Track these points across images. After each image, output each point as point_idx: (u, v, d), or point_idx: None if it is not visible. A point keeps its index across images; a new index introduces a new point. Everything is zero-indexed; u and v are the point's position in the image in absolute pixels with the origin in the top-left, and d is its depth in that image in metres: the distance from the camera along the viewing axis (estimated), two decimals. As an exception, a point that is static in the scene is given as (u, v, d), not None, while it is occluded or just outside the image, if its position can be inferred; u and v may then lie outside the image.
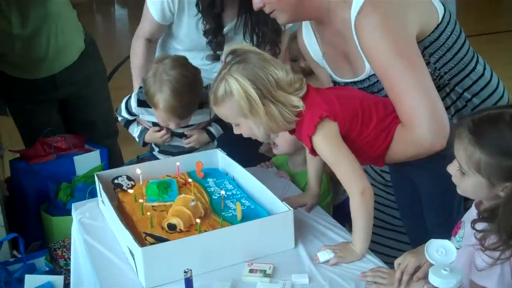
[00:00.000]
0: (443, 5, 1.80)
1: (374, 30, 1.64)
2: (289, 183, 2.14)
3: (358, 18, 1.67)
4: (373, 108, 1.70)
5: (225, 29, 2.30)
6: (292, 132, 1.75)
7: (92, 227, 1.88)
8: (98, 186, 1.93)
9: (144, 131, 2.25)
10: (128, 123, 2.29)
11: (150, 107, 2.12)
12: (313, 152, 1.70)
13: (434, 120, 1.59)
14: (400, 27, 1.64)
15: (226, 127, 2.19)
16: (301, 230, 1.78)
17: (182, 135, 2.22)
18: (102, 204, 1.93)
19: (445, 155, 1.64)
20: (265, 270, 1.60)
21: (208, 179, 2.02)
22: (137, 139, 2.28)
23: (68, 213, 2.24)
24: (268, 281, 1.57)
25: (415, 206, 1.87)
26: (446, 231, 1.74)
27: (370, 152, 1.73)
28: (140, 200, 1.80)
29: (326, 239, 1.77)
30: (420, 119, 1.60)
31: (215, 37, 2.28)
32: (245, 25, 2.28)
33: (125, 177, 1.97)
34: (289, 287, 1.54)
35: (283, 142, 2.13)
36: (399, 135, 1.66)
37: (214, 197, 1.89)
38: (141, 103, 2.17)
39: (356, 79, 1.82)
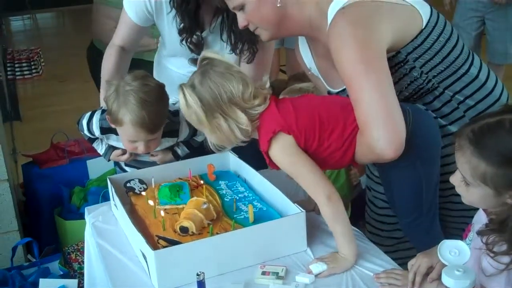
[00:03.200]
0: (431, 9, 1.78)
1: (340, 36, 1.64)
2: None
3: (330, 27, 1.69)
4: (334, 118, 1.68)
5: (204, 32, 2.23)
6: (257, 143, 1.75)
7: (105, 231, 1.89)
8: (111, 189, 1.94)
9: (109, 150, 2.18)
10: (91, 139, 2.21)
11: (114, 133, 2.07)
12: (273, 165, 1.71)
13: (388, 127, 1.56)
14: (367, 35, 1.63)
15: (192, 147, 2.22)
16: (313, 232, 1.78)
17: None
18: (115, 208, 1.94)
19: (419, 153, 1.66)
20: (278, 273, 1.60)
21: (220, 182, 2.02)
22: (103, 156, 2.23)
23: (82, 216, 2.25)
24: (281, 283, 1.57)
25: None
26: (418, 227, 1.77)
27: (337, 160, 1.72)
28: (151, 203, 1.81)
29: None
30: (372, 124, 1.58)
31: (190, 35, 2.20)
32: (221, 24, 2.21)
33: (137, 180, 1.98)
34: (302, 289, 1.54)
35: None
36: (358, 138, 1.66)
37: (226, 199, 1.89)
38: (104, 131, 2.10)
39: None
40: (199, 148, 2.22)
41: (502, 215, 1.33)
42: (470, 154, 1.34)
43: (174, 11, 2.15)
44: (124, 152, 2.13)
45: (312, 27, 1.80)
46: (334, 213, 1.63)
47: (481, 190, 1.35)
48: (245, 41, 2.16)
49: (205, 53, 1.75)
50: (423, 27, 1.73)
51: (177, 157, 2.20)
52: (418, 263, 1.52)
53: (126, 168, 2.23)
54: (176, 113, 2.12)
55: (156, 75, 2.51)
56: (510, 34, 4.10)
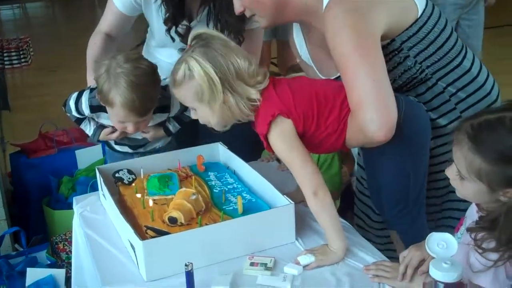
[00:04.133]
0: (427, 1, 1.79)
1: (335, 22, 1.64)
2: (290, 176, 2.13)
3: (325, 13, 1.69)
4: (331, 101, 1.68)
5: (192, 23, 2.21)
6: (252, 125, 1.73)
7: (93, 221, 1.88)
8: (99, 179, 1.93)
9: (98, 129, 2.14)
10: (79, 120, 2.17)
11: (104, 111, 2.04)
12: (270, 148, 1.69)
13: (380, 110, 1.57)
14: (362, 22, 1.63)
15: (184, 122, 2.19)
16: (302, 224, 1.77)
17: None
18: (103, 198, 1.93)
19: (409, 144, 1.66)
20: (266, 264, 1.60)
21: (209, 173, 2.01)
22: (91, 137, 2.19)
23: (70, 206, 2.24)
24: (269, 274, 1.57)
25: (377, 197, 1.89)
26: (404, 218, 1.78)
27: (331, 143, 1.72)
28: (139, 195, 1.80)
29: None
30: (365, 107, 1.58)
31: (175, 25, 2.17)
32: (208, 14, 2.18)
33: (126, 170, 1.97)
34: (290, 280, 1.54)
35: None
36: (349, 120, 1.66)
37: (215, 190, 1.89)
38: (94, 109, 2.06)
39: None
40: (191, 126, 2.18)
41: (493, 214, 1.33)
42: (467, 149, 1.34)
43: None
44: (114, 130, 2.10)
45: (308, 13, 1.79)
46: (320, 206, 1.63)
47: (475, 185, 1.36)
48: (231, 30, 2.15)
49: (199, 30, 1.70)
50: (418, 16, 1.73)
51: (168, 133, 2.19)
52: (410, 255, 1.52)
53: (116, 147, 2.23)
54: (167, 87, 2.10)
55: None
56: (481, 29, 4.22)
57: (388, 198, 1.80)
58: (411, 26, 1.73)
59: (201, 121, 1.71)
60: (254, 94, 1.63)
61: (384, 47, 1.68)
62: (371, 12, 1.66)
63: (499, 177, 1.31)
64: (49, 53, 6.91)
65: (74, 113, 2.11)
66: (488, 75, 1.88)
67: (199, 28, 2.16)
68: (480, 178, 1.33)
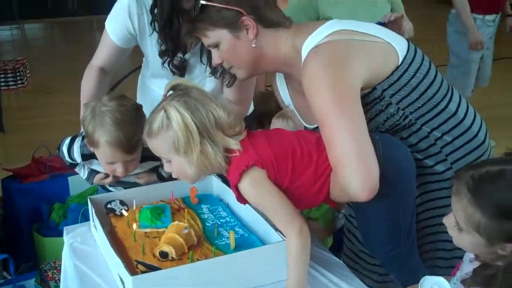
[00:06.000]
0: (408, 44, 1.78)
1: (313, 77, 1.63)
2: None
3: (302, 69, 1.68)
4: (306, 157, 1.66)
5: (186, 55, 2.20)
6: (226, 174, 1.70)
7: (84, 252, 1.86)
8: (91, 210, 1.91)
9: (91, 174, 2.16)
10: (73, 164, 2.18)
11: (96, 158, 2.02)
12: (242, 199, 1.66)
13: (361, 170, 1.55)
14: (339, 76, 1.62)
15: None
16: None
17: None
18: (94, 229, 1.91)
19: (394, 185, 1.64)
20: (258, 301, 1.58)
21: (202, 205, 1.99)
22: (86, 180, 2.21)
23: (60, 234, 2.21)
24: (260, 313, 1.55)
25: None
26: (396, 257, 1.76)
27: (311, 198, 1.71)
28: (134, 226, 1.78)
29: (320, 271, 1.75)
30: (346, 167, 1.57)
31: (172, 58, 2.16)
32: (201, 47, 2.16)
33: (118, 201, 1.95)
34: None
35: None
36: (331, 178, 1.65)
37: (207, 224, 1.87)
38: (86, 157, 2.07)
39: None
40: None
41: (491, 270, 1.30)
42: (467, 201, 1.33)
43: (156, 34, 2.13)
44: (107, 175, 2.10)
45: (287, 65, 1.80)
46: (302, 246, 1.59)
47: (473, 237, 1.34)
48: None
49: (175, 81, 1.70)
50: (399, 64, 1.72)
51: (161, 179, 2.17)
52: None
53: (111, 189, 2.21)
54: None
55: (139, 95, 2.49)
56: (492, 58, 4.46)
57: (379, 238, 1.77)
58: (392, 73, 1.71)
59: (175, 174, 1.68)
60: (234, 144, 1.61)
61: (365, 96, 1.67)
62: (351, 63, 1.65)
63: (498, 231, 1.29)
64: (46, 75, 6.91)
65: (67, 159, 2.13)
66: (475, 116, 1.85)
67: (192, 58, 2.17)
68: (478, 232, 1.32)
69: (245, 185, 1.61)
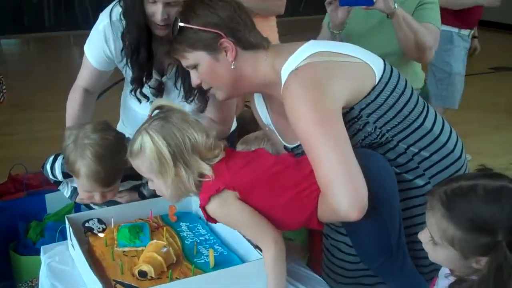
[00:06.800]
0: (384, 63, 1.80)
1: (294, 99, 1.65)
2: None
3: (283, 90, 1.70)
4: (286, 181, 1.67)
5: (163, 78, 2.21)
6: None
7: (61, 272, 1.84)
8: (68, 229, 1.89)
9: (74, 192, 2.16)
10: (57, 182, 2.20)
11: None
12: (211, 220, 1.68)
13: (349, 190, 1.56)
14: (320, 97, 1.64)
15: None
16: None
17: None
18: (72, 248, 1.89)
19: (377, 194, 1.63)
20: (237, 320, 1.58)
21: (181, 223, 1.99)
22: (68, 199, 2.23)
23: (38, 252, 2.18)
24: (240, 332, 1.54)
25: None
26: (391, 267, 1.76)
27: (294, 221, 1.72)
28: (115, 249, 1.77)
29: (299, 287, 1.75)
30: (334, 189, 1.57)
31: (140, 86, 2.18)
32: (176, 71, 2.18)
33: (96, 220, 1.94)
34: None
35: None
36: (320, 199, 1.66)
37: (186, 242, 1.87)
38: (67, 175, 2.08)
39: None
40: None
41: (466, 284, 1.33)
42: (441, 216, 1.35)
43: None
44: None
45: (266, 86, 1.81)
46: (277, 257, 1.62)
47: (448, 251, 1.36)
48: (197, 91, 2.14)
49: (159, 101, 1.73)
50: (376, 83, 1.74)
51: (143, 198, 2.18)
52: None
53: (94, 207, 2.20)
54: None
55: (122, 113, 2.49)
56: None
57: (371, 252, 1.77)
58: (369, 93, 1.73)
59: (157, 192, 1.72)
60: (207, 170, 1.64)
61: (343, 115, 1.68)
62: (331, 84, 1.66)
63: (472, 245, 1.31)
64: (23, 91, 6.83)
65: (51, 176, 2.14)
66: (450, 133, 1.88)
67: (169, 81, 2.18)
68: (452, 245, 1.33)
69: (212, 207, 1.64)
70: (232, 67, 1.76)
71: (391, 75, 1.78)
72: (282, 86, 1.71)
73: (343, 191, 1.56)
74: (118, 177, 1.98)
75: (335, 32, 2.43)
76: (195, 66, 1.79)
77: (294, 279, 1.77)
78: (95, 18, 2.20)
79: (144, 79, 2.16)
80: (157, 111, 1.70)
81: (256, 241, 1.66)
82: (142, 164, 1.65)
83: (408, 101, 1.79)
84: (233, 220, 1.67)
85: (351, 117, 1.73)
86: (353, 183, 1.56)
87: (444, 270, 1.47)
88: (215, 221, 1.69)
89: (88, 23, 2.22)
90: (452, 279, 1.41)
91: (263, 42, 1.81)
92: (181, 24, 1.74)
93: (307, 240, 2.27)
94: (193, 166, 1.62)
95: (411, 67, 2.69)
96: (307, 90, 1.64)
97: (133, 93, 2.20)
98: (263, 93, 1.91)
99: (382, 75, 1.75)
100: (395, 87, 1.77)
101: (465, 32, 4.13)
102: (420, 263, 1.87)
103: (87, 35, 2.26)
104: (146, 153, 1.61)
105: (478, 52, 4.51)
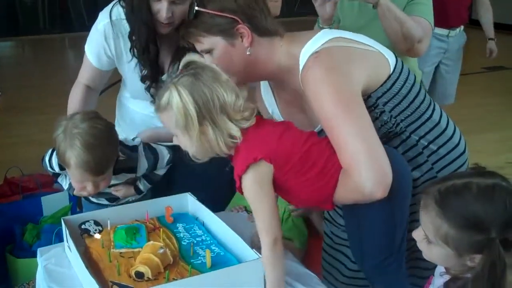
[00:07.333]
0: (395, 56, 1.83)
1: (316, 81, 1.66)
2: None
3: (303, 72, 1.71)
4: (313, 157, 1.66)
5: (163, 76, 2.22)
6: (230, 159, 1.71)
7: (58, 274, 1.84)
8: (65, 231, 1.89)
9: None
10: (55, 174, 2.20)
11: None
12: (241, 190, 1.67)
13: (375, 168, 1.58)
14: (342, 78, 1.65)
15: (154, 181, 2.22)
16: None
17: (109, 186, 2.15)
18: (69, 250, 1.89)
19: (395, 193, 1.64)
20: (234, 320, 1.58)
21: (178, 224, 1.99)
22: (66, 190, 2.24)
23: (34, 254, 2.18)
24: (237, 332, 1.55)
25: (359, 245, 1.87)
26: (388, 267, 1.75)
27: (311, 197, 1.72)
28: (112, 250, 1.77)
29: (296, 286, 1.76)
30: (360, 167, 1.58)
31: (154, 82, 2.19)
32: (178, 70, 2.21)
33: (92, 222, 1.94)
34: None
35: None
36: (342, 180, 1.65)
37: (183, 243, 1.87)
38: (63, 167, 2.07)
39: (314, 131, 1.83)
40: (165, 177, 2.23)
41: (460, 282, 1.34)
42: (435, 214, 1.36)
43: (135, 59, 2.16)
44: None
45: (280, 72, 1.80)
46: (278, 257, 1.62)
47: (442, 249, 1.37)
48: None
49: (192, 57, 1.68)
50: (391, 72, 1.77)
51: (139, 192, 2.19)
52: None
53: (93, 199, 2.23)
54: (135, 148, 2.11)
55: (118, 115, 2.49)
56: (458, 75, 4.29)
57: (372, 248, 1.76)
58: (385, 82, 1.75)
59: (182, 147, 1.68)
60: (236, 131, 1.61)
61: None
62: (351, 68, 1.68)
63: (466, 242, 1.32)
64: (17, 93, 6.82)
65: (49, 169, 2.14)
66: (455, 128, 1.92)
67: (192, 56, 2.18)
68: (447, 243, 1.34)
69: (247, 180, 1.61)
70: (247, 53, 1.75)
71: (402, 66, 1.81)
72: (301, 69, 1.71)
73: (368, 170, 1.57)
74: (109, 165, 1.98)
75: (325, 27, 2.44)
76: (209, 51, 1.78)
77: (291, 278, 1.77)
78: (90, 20, 2.22)
79: (158, 74, 2.17)
80: (186, 67, 1.65)
81: (260, 232, 1.65)
82: (168, 119, 1.63)
83: (418, 92, 1.82)
84: (254, 202, 1.64)
85: (368, 105, 1.73)
86: (378, 162, 1.58)
87: (440, 269, 1.48)
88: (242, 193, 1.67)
89: (83, 25, 2.25)
90: (447, 277, 1.42)
91: (279, 29, 1.81)
92: (197, 8, 1.73)
93: (306, 242, 2.28)
94: (222, 126, 1.59)
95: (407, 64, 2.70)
96: (328, 72, 1.65)
97: (147, 91, 2.20)
98: (274, 80, 1.89)
99: (395, 65, 1.78)
100: (407, 77, 1.80)
101: (441, 31, 4.00)
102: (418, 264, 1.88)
103: (82, 37, 2.27)
104: (173, 109, 1.58)
105: (495, 55, 4.42)
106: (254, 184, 1.62)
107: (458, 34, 4.03)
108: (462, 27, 4.05)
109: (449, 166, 1.84)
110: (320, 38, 1.73)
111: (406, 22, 2.37)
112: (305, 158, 1.66)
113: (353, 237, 1.84)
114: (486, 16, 4.33)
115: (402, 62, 1.84)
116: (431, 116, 1.83)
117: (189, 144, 1.63)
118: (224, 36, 1.75)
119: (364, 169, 1.57)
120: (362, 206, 1.67)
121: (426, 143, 1.82)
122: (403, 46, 2.45)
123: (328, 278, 2.02)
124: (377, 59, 1.78)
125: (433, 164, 1.83)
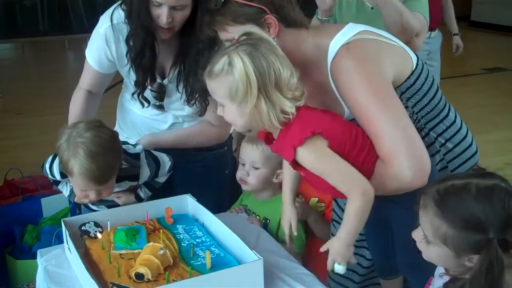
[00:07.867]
0: (416, 54, 1.84)
1: (349, 72, 1.66)
2: (260, 229, 2.14)
3: (334, 62, 1.70)
4: (360, 143, 1.65)
5: (164, 80, 2.23)
6: (268, 142, 1.70)
7: (58, 276, 1.84)
8: (65, 232, 1.89)
9: (73, 192, 2.16)
10: (56, 182, 2.21)
11: None
12: (294, 164, 1.63)
13: (414, 156, 1.59)
14: (375, 69, 1.66)
15: (155, 189, 2.22)
16: (271, 278, 1.76)
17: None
18: (69, 251, 1.89)
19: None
20: (234, 321, 1.58)
21: (178, 226, 1.99)
22: (67, 198, 2.24)
23: (34, 256, 2.19)
24: (237, 333, 1.55)
25: (385, 243, 1.88)
26: (417, 271, 1.74)
27: None
28: (112, 251, 1.78)
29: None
30: (399, 156, 1.59)
31: (143, 89, 2.18)
32: (178, 75, 2.19)
33: (92, 223, 1.94)
34: None
35: (253, 179, 2.22)
36: (379, 171, 1.65)
37: (183, 244, 1.87)
38: (64, 175, 2.08)
39: None
40: (162, 189, 2.23)
41: (459, 283, 1.34)
42: (433, 214, 1.36)
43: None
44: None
45: (306, 63, 1.78)
46: (363, 208, 1.58)
47: (440, 250, 1.37)
48: (198, 94, 2.16)
49: (251, 28, 1.64)
50: (414, 68, 1.77)
51: (139, 200, 2.20)
52: None
53: (93, 207, 2.23)
54: (137, 156, 2.11)
55: (119, 116, 2.49)
56: (438, 76, 4.29)
57: (404, 245, 1.72)
58: (409, 77, 1.76)
59: (226, 119, 1.66)
60: (289, 107, 1.58)
61: None
62: (381, 60, 1.69)
63: (464, 243, 1.32)
64: (17, 95, 6.84)
65: (50, 176, 2.15)
66: (467, 128, 1.92)
67: (170, 84, 2.18)
68: (445, 243, 1.35)
69: (305, 150, 1.58)
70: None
71: (423, 65, 1.82)
72: (331, 60, 1.70)
73: (408, 159, 1.58)
74: (112, 174, 1.99)
75: (323, 19, 2.43)
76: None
77: (290, 278, 1.78)
78: (89, 22, 2.23)
79: (147, 82, 2.17)
80: (243, 38, 1.62)
81: (342, 189, 1.61)
82: (220, 86, 1.58)
83: (437, 90, 1.83)
84: (322, 166, 1.61)
85: None
86: (418, 151, 1.59)
87: (440, 270, 1.48)
88: (297, 166, 1.64)
89: (82, 27, 2.25)
90: (446, 278, 1.43)
91: (305, 21, 1.81)
92: None
93: (304, 245, 2.27)
94: (275, 100, 1.56)
95: None
96: (361, 63, 1.65)
97: (135, 96, 2.21)
98: (300, 73, 1.89)
99: (417, 61, 1.79)
100: (427, 75, 1.81)
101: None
102: None
103: (81, 39, 2.28)
104: (234, 74, 1.54)
105: (462, 49, 4.48)
106: (313, 152, 1.59)
107: (437, 35, 4.12)
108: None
109: (463, 165, 1.85)
110: (350, 29, 1.73)
111: (405, 12, 2.39)
112: (352, 145, 1.64)
113: (381, 236, 1.82)
114: (449, 13, 4.48)
115: (423, 62, 1.84)
116: (447, 114, 1.84)
117: (238, 115, 1.60)
118: (251, 25, 1.72)
119: (404, 159, 1.58)
120: (387, 206, 1.68)
121: (443, 141, 1.82)
122: (402, 38, 2.44)
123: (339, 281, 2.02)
124: (402, 54, 1.78)
125: (448, 163, 1.84)
